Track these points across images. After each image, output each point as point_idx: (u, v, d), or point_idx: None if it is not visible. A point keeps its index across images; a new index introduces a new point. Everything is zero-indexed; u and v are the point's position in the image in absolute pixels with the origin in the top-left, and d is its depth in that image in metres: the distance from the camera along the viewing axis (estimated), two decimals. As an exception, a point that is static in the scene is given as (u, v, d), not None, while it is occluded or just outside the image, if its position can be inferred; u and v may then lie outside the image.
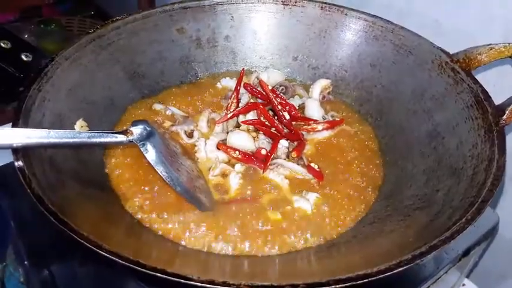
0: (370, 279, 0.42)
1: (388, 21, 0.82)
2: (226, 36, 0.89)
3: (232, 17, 0.89)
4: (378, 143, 0.77)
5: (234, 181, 0.68)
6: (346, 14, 0.86)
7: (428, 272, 0.67)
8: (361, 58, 0.85)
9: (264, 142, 0.73)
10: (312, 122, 0.78)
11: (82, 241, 0.44)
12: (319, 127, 0.77)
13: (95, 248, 0.44)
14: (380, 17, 0.83)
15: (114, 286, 0.62)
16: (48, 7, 1.81)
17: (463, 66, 0.70)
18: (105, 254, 0.43)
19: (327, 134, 0.78)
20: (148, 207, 0.63)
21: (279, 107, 0.77)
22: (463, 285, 0.87)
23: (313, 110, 0.80)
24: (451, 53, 0.72)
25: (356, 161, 0.73)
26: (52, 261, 0.62)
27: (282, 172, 0.70)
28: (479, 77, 0.70)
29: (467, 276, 0.87)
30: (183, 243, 0.59)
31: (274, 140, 0.72)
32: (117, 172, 0.68)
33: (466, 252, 0.71)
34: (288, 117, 0.76)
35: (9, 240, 0.68)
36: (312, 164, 0.71)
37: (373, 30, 0.83)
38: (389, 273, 0.43)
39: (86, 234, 0.45)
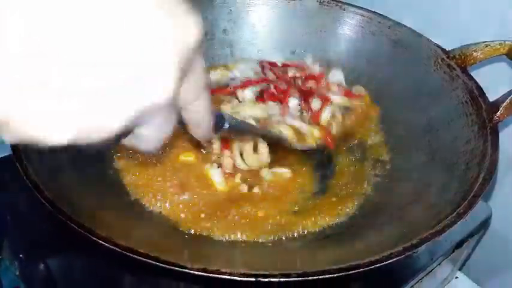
0: (360, 270, 0.43)
1: (385, 16, 0.82)
2: (224, 29, 0.89)
3: (231, 10, 0.89)
4: (373, 137, 0.78)
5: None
6: (344, 9, 0.86)
7: (421, 264, 0.68)
8: (358, 53, 0.85)
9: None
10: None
11: (75, 227, 0.44)
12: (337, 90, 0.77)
13: (88, 234, 0.44)
14: (377, 13, 0.83)
15: (111, 279, 0.62)
16: None
17: (458, 63, 0.71)
18: (98, 240, 0.43)
19: (340, 100, 0.78)
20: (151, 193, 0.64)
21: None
22: (456, 277, 0.88)
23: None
24: (446, 49, 0.73)
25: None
26: (48, 255, 0.62)
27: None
28: (474, 73, 0.71)
29: (460, 269, 0.89)
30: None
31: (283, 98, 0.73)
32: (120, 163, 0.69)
33: (459, 244, 0.72)
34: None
35: (4, 234, 0.67)
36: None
37: (370, 26, 0.83)
38: (379, 265, 0.44)
39: (80, 221, 0.45)
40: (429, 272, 0.70)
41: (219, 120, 0.40)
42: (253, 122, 0.69)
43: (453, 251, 0.72)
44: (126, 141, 0.33)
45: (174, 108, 0.31)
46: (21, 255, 0.63)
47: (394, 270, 0.67)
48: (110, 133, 0.27)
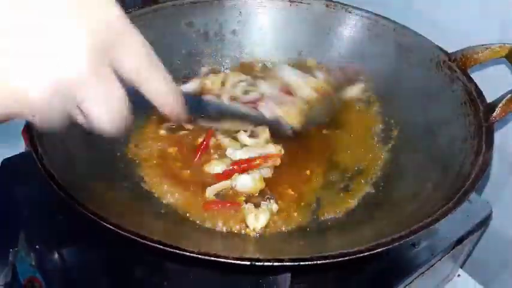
0: (345, 258, 0.45)
1: (390, 20, 0.84)
2: (233, 30, 0.93)
3: (240, 12, 0.92)
4: (375, 137, 0.80)
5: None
6: (350, 12, 0.89)
7: (422, 259, 0.70)
8: (363, 55, 0.87)
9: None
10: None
11: (88, 214, 0.47)
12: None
13: (99, 220, 0.48)
14: (383, 16, 0.85)
15: (124, 270, 0.65)
16: None
17: (459, 65, 0.73)
18: (107, 225, 0.46)
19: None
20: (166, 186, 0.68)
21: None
22: (458, 275, 0.90)
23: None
24: (447, 50, 0.75)
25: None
26: (64, 246, 0.65)
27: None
28: (475, 75, 0.72)
29: (462, 267, 0.90)
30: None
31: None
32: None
33: (459, 241, 0.74)
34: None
35: (21, 226, 0.70)
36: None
37: (376, 28, 0.86)
38: (367, 253, 0.46)
39: (91, 208, 0.49)
40: (430, 267, 0.72)
41: (197, 102, 0.42)
42: None
43: (453, 247, 0.74)
44: (86, 124, 0.38)
45: (108, 84, 0.36)
46: (37, 246, 0.66)
47: (395, 264, 0.69)
48: (30, 103, 0.33)
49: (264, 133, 0.74)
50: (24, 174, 0.73)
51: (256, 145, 0.73)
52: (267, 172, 0.71)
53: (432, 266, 0.72)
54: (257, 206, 0.65)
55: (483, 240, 0.88)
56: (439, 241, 0.72)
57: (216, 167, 0.71)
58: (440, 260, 0.73)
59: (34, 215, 0.70)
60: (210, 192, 0.68)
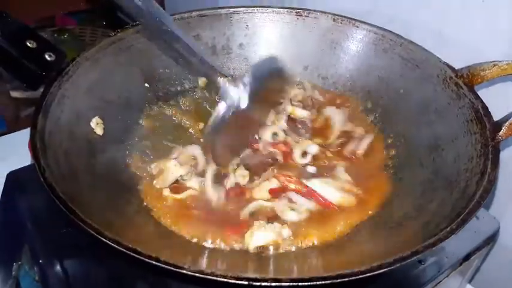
0: (345, 279, 0.45)
1: (397, 34, 0.84)
2: (240, 44, 0.93)
3: (247, 25, 0.93)
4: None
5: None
6: (357, 27, 0.88)
7: (429, 276, 0.69)
8: (370, 70, 0.87)
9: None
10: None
11: (87, 228, 0.47)
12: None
13: (98, 236, 0.48)
14: (390, 31, 0.85)
15: (128, 284, 0.64)
16: (61, 17, 1.90)
17: (466, 82, 0.72)
18: (105, 240, 0.46)
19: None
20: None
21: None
22: (467, 290, 0.89)
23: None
24: (453, 66, 0.74)
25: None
26: (68, 260, 0.65)
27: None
28: (482, 92, 0.72)
29: (470, 282, 0.89)
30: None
31: None
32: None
33: (467, 257, 0.73)
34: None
35: (25, 239, 0.70)
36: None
37: (383, 43, 0.85)
38: (369, 274, 0.45)
39: (90, 221, 0.48)
40: (437, 284, 0.71)
41: None
42: None
43: (461, 264, 0.73)
44: None
45: None
46: (41, 261, 0.65)
47: (401, 281, 0.68)
48: None
49: None
50: (29, 187, 0.73)
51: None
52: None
53: (439, 282, 0.71)
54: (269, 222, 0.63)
55: (491, 255, 0.86)
56: (446, 258, 0.71)
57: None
58: (447, 276, 0.72)
59: (38, 228, 0.69)
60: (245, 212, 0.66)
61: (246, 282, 0.43)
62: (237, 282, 0.43)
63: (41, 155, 0.57)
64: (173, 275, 0.45)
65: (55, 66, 0.69)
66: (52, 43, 0.71)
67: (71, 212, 0.49)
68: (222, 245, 0.61)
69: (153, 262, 0.45)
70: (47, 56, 0.70)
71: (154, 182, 0.70)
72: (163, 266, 0.44)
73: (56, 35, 1.61)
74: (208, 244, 0.61)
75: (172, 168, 0.69)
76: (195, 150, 0.73)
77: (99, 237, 0.47)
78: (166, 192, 0.69)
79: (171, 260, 0.45)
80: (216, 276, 0.43)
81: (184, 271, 0.44)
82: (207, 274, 0.44)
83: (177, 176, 0.69)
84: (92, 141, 0.70)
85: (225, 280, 0.43)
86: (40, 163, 0.55)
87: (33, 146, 0.58)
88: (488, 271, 0.92)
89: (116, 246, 0.47)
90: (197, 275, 0.43)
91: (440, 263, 0.70)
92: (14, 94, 1.48)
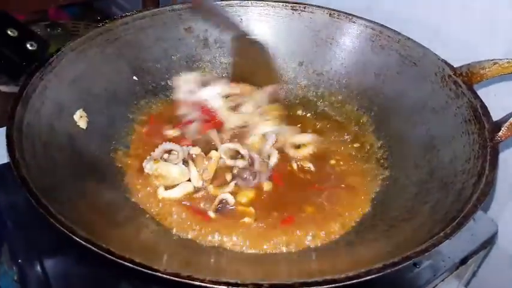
0: (337, 284, 0.42)
1: (395, 31, 0.81)
2: (233, 37, 0.90)
3: (241, 19, 0.90)
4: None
5: None
6: (354, 22, 0.86)
7: (424, 280, 0.67)
8: (366, 66, 0.84)
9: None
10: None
11: (56, 224, 0.44)
12: None
13: (70, 234, 0.45)
14: (387, 27, 0.82)
15: (109, 285, 0.62)
16: (54, 11, 1.85)
17: (465, 80, 0.69)
18: (79, 241, 0.44)
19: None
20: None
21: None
22: (463, 294, 0.86)
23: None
24: (452, 64, 0.72)
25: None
26: (47, 260, 0.63)
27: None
28: (482, 91, 0.69)
29: (467, 286, 0.87)
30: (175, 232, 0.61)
31: None
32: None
33: (464, 261, 0.71)
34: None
35: (4, 238, 0.69)
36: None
37: (380, 40, 0.83)
38: (357, 280, 0.43)
39: (62, 218, 0.46)
40: (433, 288, 0.68)
41: None
42: None
43: (457, 268, 0.71)
44: None
45: None
46: (20, 260, 0.64)
47: (395, 285, 0.66)
48: None
49: None
50: (9, 184, 0.71)
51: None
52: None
53: (435, 287, 0.69)
54: None
55: (489, 258, 0.85)
56: (442, 261, 0.69)
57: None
58: (443, 280, 0.70)
59: (18, 227, 0.68)
60: None
61: (225, 287, 0.40)
62: (215, 287, 0.40)
63: (16, 147, 0.54)
64: (146, 275, 0.42)
65: (37, 56, 0.66)
66: (35, 32, 0.68)
67: (42, 207, 0.46)
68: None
69: (127, 264, 0.42)
70: (28, 45, 0.67)
71: (155, 182, 0.68)
72: (137, 268, 0.42)
73: (48, 29, 1.58)
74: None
75: (178, 177, 0.67)
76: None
77: (71, 235, 0.44)
78: (161, 190, 0.67)
79: (146, 262, 0.43)
80: (193, 280, 0.41)
81: (159, 274, 0.41)
82: (183, 278, 0.41)
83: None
84: (74, 134, 0.67)
85: (203, 284, 0.40)
86: (15, 155, 0.52)
87: (8, 138, 0.55)
88: (485, 275, 0.90)
89: (89, 246, 0.44)
90: (173, 278, 0.41)
91: (436, 267, 0.68)
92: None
